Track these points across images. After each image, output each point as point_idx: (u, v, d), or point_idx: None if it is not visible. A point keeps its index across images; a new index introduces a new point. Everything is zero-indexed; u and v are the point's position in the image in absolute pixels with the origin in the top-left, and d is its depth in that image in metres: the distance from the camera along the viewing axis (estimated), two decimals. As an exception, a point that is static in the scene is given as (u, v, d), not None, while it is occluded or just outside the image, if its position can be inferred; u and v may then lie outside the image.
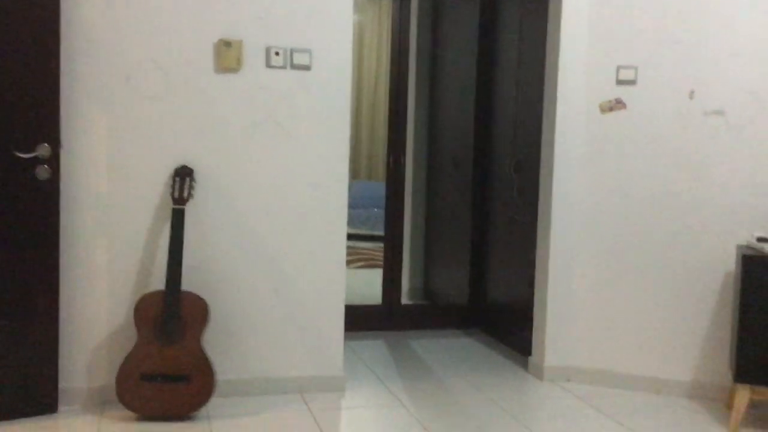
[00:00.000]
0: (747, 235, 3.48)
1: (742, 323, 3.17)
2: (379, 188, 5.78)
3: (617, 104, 3.69)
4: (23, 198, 3.00)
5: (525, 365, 4.02)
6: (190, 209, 3.28)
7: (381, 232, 5.00)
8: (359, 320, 4.50)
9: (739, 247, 3.39)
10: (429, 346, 4.45)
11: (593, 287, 3.77)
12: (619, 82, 3.67)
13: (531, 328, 3.95)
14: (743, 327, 3.17)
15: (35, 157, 3.00)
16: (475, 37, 4.75)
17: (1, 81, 2.94)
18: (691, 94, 3.58)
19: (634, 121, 3.67)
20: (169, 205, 3.22)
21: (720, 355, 3.59)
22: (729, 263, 3.54)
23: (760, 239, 3.28)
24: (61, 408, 3.16)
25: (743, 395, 3.21)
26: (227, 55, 3.30)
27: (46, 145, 3.01)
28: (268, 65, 3.38)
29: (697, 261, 3.60)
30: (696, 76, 3.57)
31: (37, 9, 2.96)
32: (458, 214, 4.96)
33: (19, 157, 2.98)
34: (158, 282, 3.26)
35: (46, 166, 3.01)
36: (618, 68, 3.66)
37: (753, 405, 3.42)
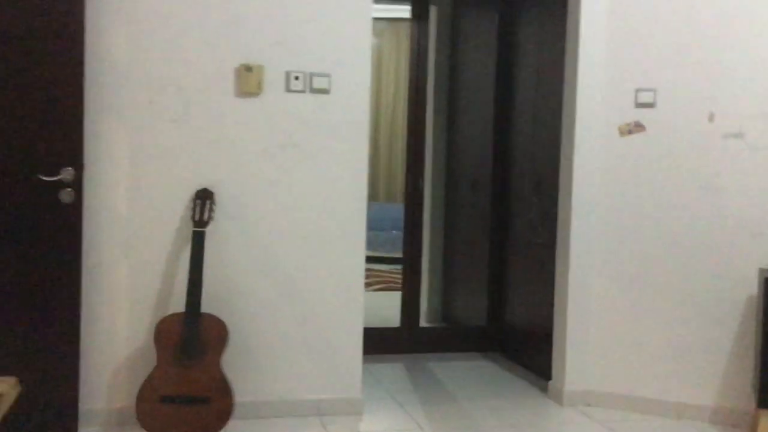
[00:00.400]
0: (769, 259, 3.45)
1: (766, 347, 3.13)
2: (397, 210, 5.79)
3: (636, 127, 3.69)
4: (47, 220, 3.05)
5: (545, 389, 3.98)
6: (210, 232, 3.30)
7: (399, 255, 5.00)
8: (378, 343, 4.49)
9: (762, 271, 3.35)
10: (448, 369, 4.43)
11: (613, 311, 3.75)
12: (638, 105, 3.67)
13: (551, 352, 3.92)
14: (767, 351, 3.13)
15: (59, 181, 3.04)
16: (493, 59, 4.78)
17: (28, 106, 3.01)
18: (711, 117, 3.57)
19: (654, 144, 3.66)
20: (190, 227, 3.25)
21: (743, 379, 3.54)
22: (751, 286, 3.50)
23: (783, 263, 3.25)
24: (81, 430, 3.17)
25: (767, 421, 3.16)
26: (248, 80, 3.35)
27: (70, 168, 3.05)
28: (288, 89, 3.41)
29: (719, 284, 3.57)
30: (715, 98, 3.56)
31: (62, 35, 3.02)
32: (477, 236, 4.95)
33: (44, 181, 3.03)
34: (178, 304, 3.29)
35: (69, 189, 3.06)
36: (637, 91, 3.66)
37: (777, 431, 3.37)
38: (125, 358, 3.31)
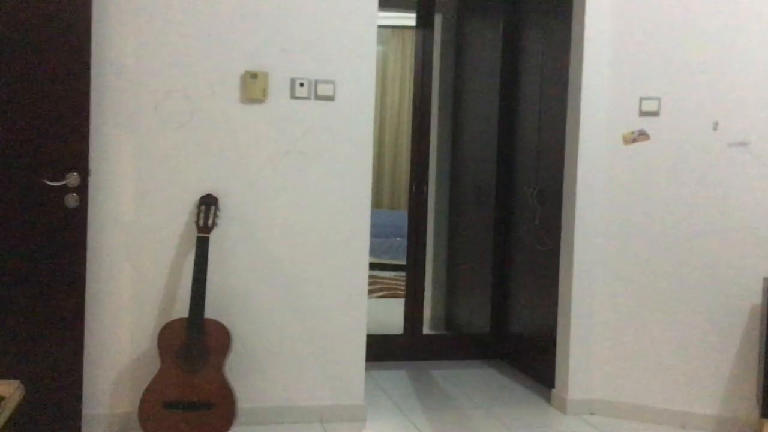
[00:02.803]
0: (773, 268, 3.44)
1: (770, 357, 3.12)
2: (401, 217, 5.80)
3: (640, 135, 3.69)
4: (52, 225, 3.06)
5: (548, 397, 3.98)
6: (214, 237, 3.31)
7: (403, 262, 5.00)
8: (381, 350, 4.49)
9: (766, 280, 3.35)
10: (451, 376, 4.42)
11: (617, 319, 3.74)
12: (643, 114, 3.67)
13: (554, 360, 3.92)
14: (770, 361, 3.12)
15: (64, 186, 3.06)
16: (497, 66, 4.79)
17: (34, 111, 3.02)
18: (715, 126, 3.57)
19: (658, 153, 3.66)
20: (194, 233, 3.26)
21: (747, 389, 3.53)
22: (756, 295, 3.50)
23: (787, 272, 3.24)
24: (84, 434, 3.18)
25: (771, 431, 3.15)
26: (253, 87, 3.36)
27: (75, 174, 3.07)
28: (293, 96, 3.43)
29: (723, 293, 3.56)
30: (719, 107, 3.56)
31: (68, 40, 3.04)
32: (480, 244, 4.95)
33: (49, 186, 3.04)
34: (182, 309, 3.29)
35: (74, 194, 3.07)
36: (641, 99, 3.67)
37: (781, 441, 3.36)
38: (128, 363, 3.32)
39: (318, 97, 3.45)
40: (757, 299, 3.49)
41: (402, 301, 4.83)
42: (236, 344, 3.36)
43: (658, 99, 3.64)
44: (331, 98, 3.47)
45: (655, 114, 3.66)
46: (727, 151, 3.55)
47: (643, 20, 3.66)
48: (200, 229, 3.23)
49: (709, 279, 3.58)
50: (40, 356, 3.06)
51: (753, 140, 3.52)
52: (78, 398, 3.13)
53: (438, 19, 5.04)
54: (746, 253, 3.53)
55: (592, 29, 3.69)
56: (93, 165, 3.19)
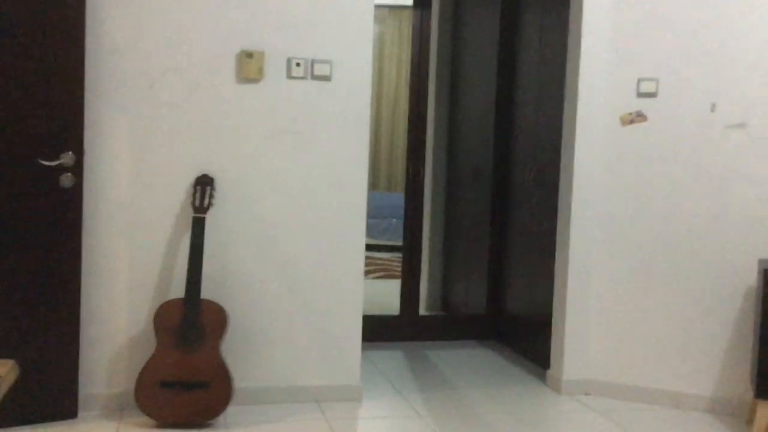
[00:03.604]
0: (769, 249, 3.45)
1: (764, 338, 3.13)
2: (398, 199, 5.79)
3: (638, 117, 3.68)
4: (47, 205, 3.05)
5: (543, 378, 4.00)
6: (210, 218, 3.31)
7: (399, 243, 5.00)
8: (377, 330, 4.50)
9: (761, 261, 3.36)
10: (447, 357, 4.44)
11: (612, 300, 3.75)
12: (640, 95, 3.66)
13: (549, 341, 3.93)
14: (765, 342, 3.13)
15: (59, 165, 3.04)
16: (495, 47, 4.76)
17: (27, 91, 3.00)
18: (713, 107, 3.56)
19: (655, 134, 3.65)
20: (190, 213, 3.25)
21: (741, 369, 3.55)
22: (751, 277, 3.51)
23: (783, 253, 3.25)
24: (81, 413, 3.19)
25: (764, 411, 3.17)
26: (249, 66, 3.34)
27: (70, 153, 3.05)
28: (289, 76, 3.41)
29: (718, 274, 3.57)
30: (717, 89, 3.55)
31: (62, 19, 3.01)
32: (477, 225, 4.96)
33: (44, 165, 3.02)
34: (178, 289, 3.29)
35: (69, 174, 3.06)
36: (639, 81, 3.65)
37: (775, 421, 3.38)
38: (125, 343, 3.32)
39: (314, 77, 3.43)
40: (753, 280, 3.50)
41: (398, 282, 4.84)
42: (233, 324, 3.37)
43: (656, 80, 3.63)
44: (327, 78, 3.45)
45: (653, 95, 3.64)
46: (724, 132, 3.55)
47: (641, 1, 3.64)
48: (196, 210, 3.22)
49: (705, 260, 3.59)
50: (37, 336, 3.06)
51: (750, 122, 3.51)
52: (74, 378, 3.14)
53: (435, -1, 5.01)
54: (743, 234, 3.53)
55: (591, 9, 3.67)
56: (88, 144, 3.17)
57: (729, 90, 3.53)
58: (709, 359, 3.61)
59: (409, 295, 4.79)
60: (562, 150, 3.85)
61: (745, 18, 3.50)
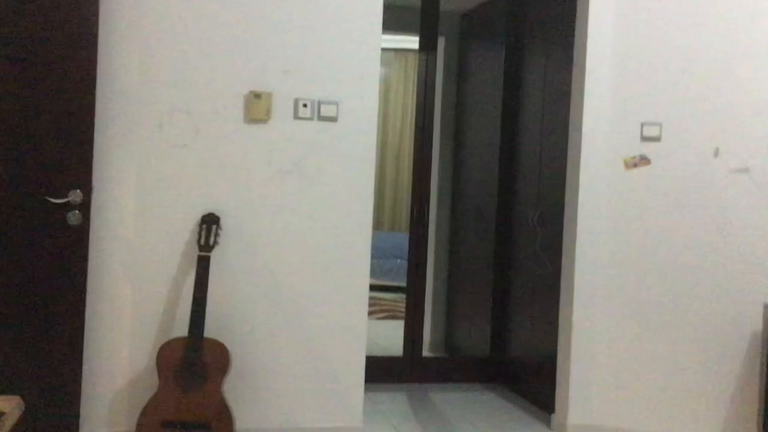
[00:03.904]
0: (774, 294, 3.44)
1: (771, 384, 3.11)
2: (402, 239, 5.80)
3: (642, 160, 3.70)
4: (54, 242, 3.06)
5: (547, 422, 3.95)
6: (215, 256, 3.31)
7: (403, 283, 4.99)
8: (380, 372, 4.47)
9: (767, 307, 3.34)
10: (450, 399, 4.40)
11: (617, 344, 3.73)
12: (644, 139, 3.69)
13: (554, 384, 3.90)
14: (771, 388, 3.11)
15: (67, 203, 3.06)
16: (499, 90, 4.81)
17: (38, 129, 3.04)
18: (716, 152, 3.58)
19: (659, 178, 3.67)
20: (195, 251, 3.26)
21: (748, 416, 3.51)
22: (756, 323, 3.49)
23: (788, 299, 3.24)
24: (81, 453, 3.16)
25: (772, 459, 3.13)
26: (257, 107, 3.38)
27: (78, 191, 3.07)
28: (296, 116, 3.45)
29: (723, 320, 3.55)
30: (720, 133, 3.58)
31: (74, 58, 3.06)
32: (481, 267, 4.95)
33: (52, 202, 3.05)
34: (181, 328, 3.28)
35: (77, 211, 3.08)
36: (642, 125, 3.69)
37: (783, 469, 3.33)
38: (127, 382, 3.30)
39: (321, 118, 3.47)
40: (758, 325, 3.48)
41: (402, 322, 4.82)
42: (235, 364, 3.35)
43: (660, 124, 3.66)
44: (333, 119, 3.49)
45: (656, 139, 3.67)
46: (727, 177, 3.57)
47: (645, 46, 3.69)
48: (201, 248, 3.23)
49: (710, 305, 3.58)
50: (40, 372, 3.05)
51: (754, 167, 3.53)
52: (76, 416, 3.12)
53: (441, 43, 5.08)
54: (747, 280, 3.52)
55: (595, 54, 3.72)
56: (96, 182, 3.20)
57: (732, 135, 3.56)
58: (715, 405, 3.57)
59: (412, 336, 4.76)
60: (566, 193, 3.87)
61: (749, 63, 3.54)
